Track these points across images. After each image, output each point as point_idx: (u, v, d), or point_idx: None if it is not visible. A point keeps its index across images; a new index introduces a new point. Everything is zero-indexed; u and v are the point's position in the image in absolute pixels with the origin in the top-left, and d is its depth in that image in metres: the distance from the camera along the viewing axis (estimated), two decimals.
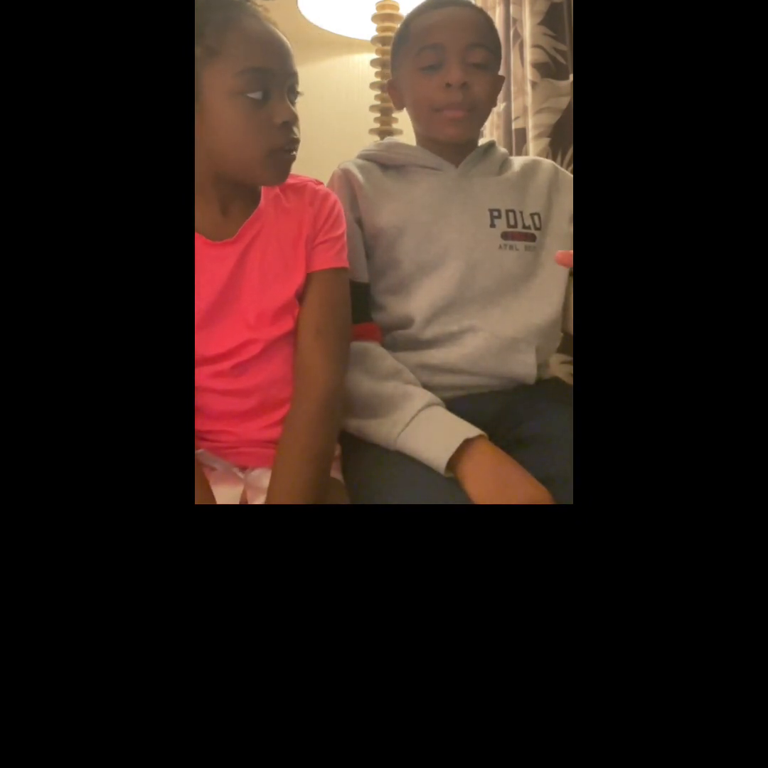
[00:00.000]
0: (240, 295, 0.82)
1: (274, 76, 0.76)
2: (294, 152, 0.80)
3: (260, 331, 0.82)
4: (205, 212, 0.83)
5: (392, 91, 1.04)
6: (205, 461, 0.85)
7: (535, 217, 0.99)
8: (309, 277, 0.85)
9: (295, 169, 0.91)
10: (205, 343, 0.80)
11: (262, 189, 0.87)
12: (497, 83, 1.00)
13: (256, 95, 0.75)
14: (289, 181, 0.89)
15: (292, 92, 0.79)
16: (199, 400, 0.82)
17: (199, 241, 0.81)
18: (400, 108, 1.05)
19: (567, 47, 1.32)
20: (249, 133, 0.76)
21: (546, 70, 1.32)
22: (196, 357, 0.80)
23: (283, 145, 0.78)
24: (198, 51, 0.74)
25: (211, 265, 0.81)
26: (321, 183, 0.92)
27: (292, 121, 0.77)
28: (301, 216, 0.86)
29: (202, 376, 0.82)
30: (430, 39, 0.94)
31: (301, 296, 0.85)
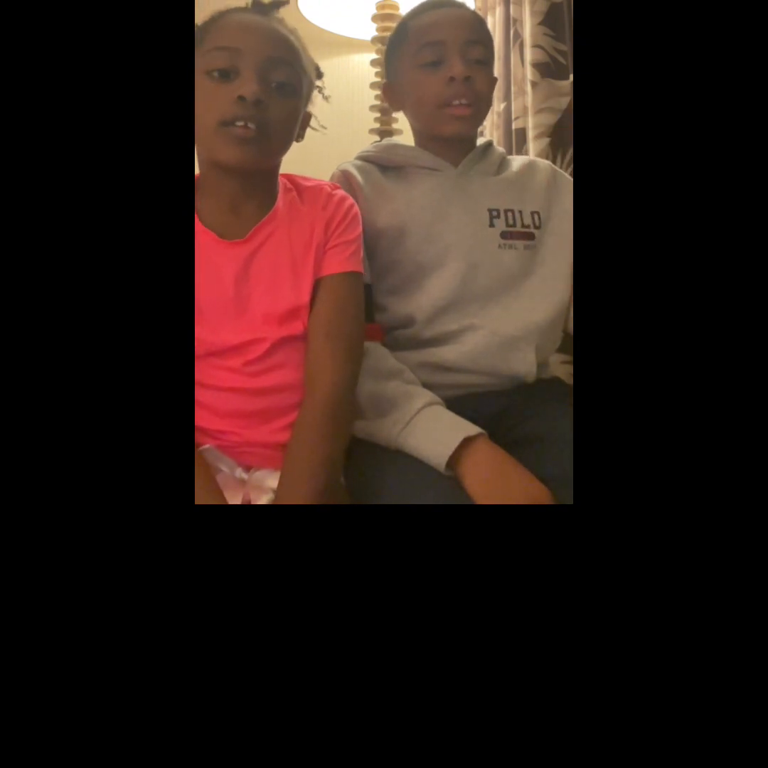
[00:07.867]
0: (250, 294, 0.83)
1: (242, 55, 0.77)
2: (250, 128, 0.77)
3: (267, 330, 0.83)
4: (214, 210, 0.83)
5: (389, 93, 1.04)
6: (211, 459, 0.85)
7: (535, 216, 0.99)
8: (320, 282, 0.85)
9: (295, 169, 0.91)
10: (211, 337, 0.81)
11: (279, 192, 0.87)
12: (493, 83, 1.00)
13: (219, 72, 0.77)
14: (306, 184, 0.90)
15: (268, 72, 0.78)
16: (209, 397, 0.83)
17: (209, 237, 0.82)
18: (397, 109, 1.05)
19: (567, 47, 1.32)
20: (206, 105, 0.78)
21: (546, 70, 1.32)
22: (203, 349, 0.81)
23: (232, 117, 0.77)
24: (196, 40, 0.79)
25: (220, 264, 0.82)
26: (338, 187, 0.91)
27: (250, 97, 0.76)
28: (313, 221, 0.86)
29: (212, 371, 0.82)
30: (429, 36, 0.94)
31: (313, 301, 0.85)
